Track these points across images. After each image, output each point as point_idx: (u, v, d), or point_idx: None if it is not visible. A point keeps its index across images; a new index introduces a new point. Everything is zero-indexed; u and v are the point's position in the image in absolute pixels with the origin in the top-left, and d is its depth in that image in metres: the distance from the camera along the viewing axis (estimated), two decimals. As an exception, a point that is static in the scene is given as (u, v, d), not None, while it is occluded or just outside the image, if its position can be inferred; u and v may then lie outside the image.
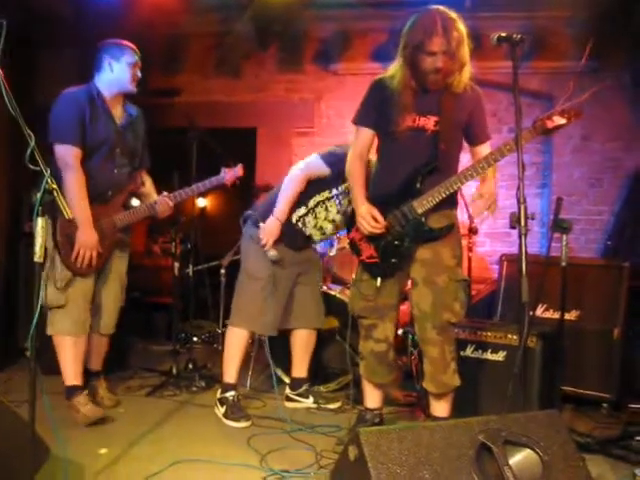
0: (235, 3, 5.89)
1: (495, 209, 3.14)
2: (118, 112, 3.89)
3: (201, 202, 8.89)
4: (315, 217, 4.01)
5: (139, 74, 3.85)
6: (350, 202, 3.60)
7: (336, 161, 3.80)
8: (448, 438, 2.18)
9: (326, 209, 4.00)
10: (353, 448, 2.13)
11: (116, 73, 3.78)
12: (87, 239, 3.66)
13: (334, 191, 3.97)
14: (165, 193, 4.05)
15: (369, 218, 3.15)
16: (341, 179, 3.80)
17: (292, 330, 4.22)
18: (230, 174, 4.16)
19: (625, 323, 4.10)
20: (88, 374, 3.99)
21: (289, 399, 4.25)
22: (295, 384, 4.26)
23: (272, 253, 3.89)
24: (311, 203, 3.99)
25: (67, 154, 3.62)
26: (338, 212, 4.00)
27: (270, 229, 3.90)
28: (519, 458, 2.15)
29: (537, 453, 2.16)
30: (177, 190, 4.05)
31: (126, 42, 3.84)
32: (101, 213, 3.79)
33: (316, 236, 4.11)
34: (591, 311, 4.20)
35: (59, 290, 3.65)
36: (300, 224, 4.02)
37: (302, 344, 4.24)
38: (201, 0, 5.77)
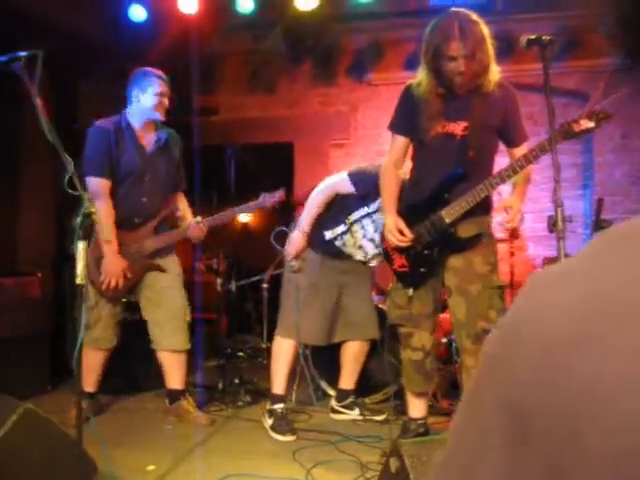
0: (266, 20, 5.95)
1: (518, 222, 3.11)
2: (148, 139, 3.98)
3: (243, 218, 8.94)
4: (353, 236, 4.00)
5: (166, 102, 3.91)
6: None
7: (361, 180, 3.82)
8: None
9: (362, 227, 3.99)
10: (394, 460, 2.13)
11: (142, 103, 3.89)
12: (112, 267, 3.80)
13: (366, 209, 3.95)
14: (198, 218, 4.07)
15: (395, 231, 3.16)
16: (370, 198, 3.82)
17: (342, 342, 4.21)
18: (269, 200, 4.08)
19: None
20: (172, 394, 4.09)
21: (335, 411, 4.25)
22: (341, 395, 4.26)
23: (292, 264, 3.95)
24: (348, 221, 3.98)
25: (96, 186, 3.77)
26: (375, 230, 3.96)
27: (294, 241, 3.95)
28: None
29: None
30: (214, 214, 4.09)
31: (154, 70, 3.91)
32: (129, 239, 3.90)
33: (358, 255, 4.06)
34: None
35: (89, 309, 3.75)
36: (338, 242, 4.01)
37: (352, 356, 4.22)
38: (233, 18, 5.83)
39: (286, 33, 5.90)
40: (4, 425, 2.25)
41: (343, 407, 4.23)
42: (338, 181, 3.95)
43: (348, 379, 4.27)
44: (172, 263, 4.08)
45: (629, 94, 2.86)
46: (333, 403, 4.28)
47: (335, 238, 4.00)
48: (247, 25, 5.99)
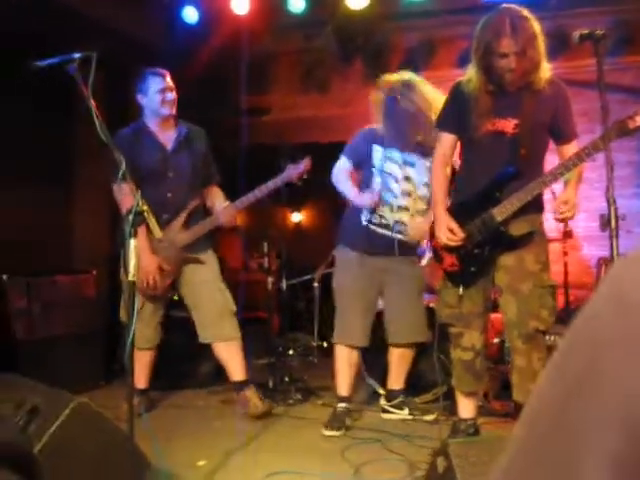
0: (317, 19, 5.97)
1: (574, 215, 3.06)
2: (168, 137, 4.06)
3: (296, 217, 8.98)
4: (385, 204, 3.94)
5: (170, 96, 3.97)
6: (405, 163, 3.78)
7: (350, 149, 3.97)
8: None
9: (389, 190, 3.94)
10: (442, 460, 2.11)
11: (149, 104, 3.99)
12: (146, 266, 3.85)
13: (373, 170, 3.94)
14: (225, 203, 4.11)
15: (445, 230, 3.14)
16: (369, 158, 3.89)
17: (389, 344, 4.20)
18: (295, 170, 4.04)
19: None
20: (236, 386, 4.15)
21: (384, 410, 4.23)
22: (391, 395, 4.24)
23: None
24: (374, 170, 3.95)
25: (120, 190, 3.84)
26: (397, 181, 3.92)
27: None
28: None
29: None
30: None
31: (151, 69, 3.99)
32: (161, 237, 3.94)
33: (405, 216, 3.95)
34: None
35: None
36: (375, 221, 3.95)
37: (397, 358, 4.19)
38: (284, 18, 5.86)
39: (337, 32, 5.91)
40: (58, 418, 2.29)
41: (392, 407, 4.21)
42: (339, 167, 4.02)
43: (396, 379, 4.24)
44: (209, 257, 4.13)
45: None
46: (383, 402, 4.27)
47: (369, 220, 3.96)
48: (299, 24, 6.01)
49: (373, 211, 3.94)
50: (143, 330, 3.97)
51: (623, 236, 2.54)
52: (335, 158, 4.04)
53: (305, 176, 4.07)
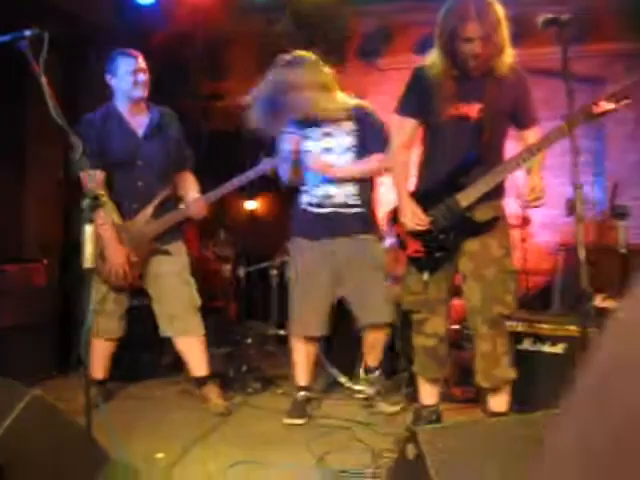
0: (275, 3, 5.88)
1: (543, 201, 3.07)
2: (139, 122, 3.91)
3: (250, 205, 8.89)
4: (312, 183, 3.87)
5: (142, 77, 3.82)
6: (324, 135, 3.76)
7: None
8: (514, 433, 2.11)
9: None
10: (412, 446, 2.08)
11: (119, 86, 3.84)
12: (114, 258, 3.77)
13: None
14: (197, 195, 4.01)
15: (411, 215, 3.11)
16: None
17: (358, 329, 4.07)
18: (271, 163, 3.93)
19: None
20: (196, 381, 4.07)
21: (356, 380, 4.22)
22: (368, 370, 4.15)
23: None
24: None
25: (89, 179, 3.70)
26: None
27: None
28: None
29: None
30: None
31: (122, 50, 3.84)
32: (130, 226, 3.84)
33: (333, 189, 3.80)
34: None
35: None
36: (312, 202, 3.86)
37: (368, 342, 4.04)
38: (242, 2, 5.76)
39: (296, 17, 5.83)
40: (12, 412, 2.21)
41: (366, 380, 4.13)
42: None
43: (373, 359, 4.10)
44: (178, 249, 4.01)
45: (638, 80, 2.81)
46: (360, 372, 4.20)
47: (309, 200, 3.87)
48: (257, 8, 5.91)
49: (307, 193, 3.88)
50: (106, 321, 3.87)
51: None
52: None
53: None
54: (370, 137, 3.76)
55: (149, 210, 3.88)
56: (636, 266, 3.91)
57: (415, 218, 3.10)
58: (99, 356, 3.92)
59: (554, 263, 4.70)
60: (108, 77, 3.85)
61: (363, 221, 3.83)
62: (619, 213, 3.51)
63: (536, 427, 2.11)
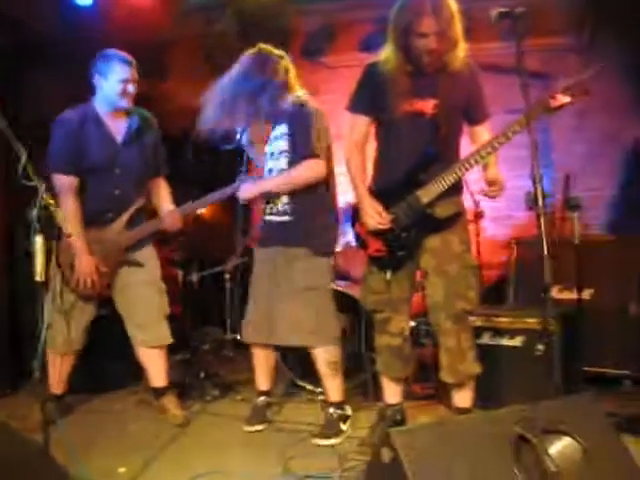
0: (215, 3, 5.79)
1: (502, 194, 3.08)
2: (118, 128, 3.77)
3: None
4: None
5: (130, 88, 3.66)
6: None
7: None
8: (481, 431, 2.10)
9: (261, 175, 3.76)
10: (387, 450, 2.05)
11: (105, 90, 3.67)
12: (83, 266, 3.65)
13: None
14: (172, 207, 3.92)
15: (373, 213, 3.07)
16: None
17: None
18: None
19: (640, 298, 4.06)
20: (156, 392, 3.96)
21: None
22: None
23: None
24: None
25: (60, 183, 3.63)
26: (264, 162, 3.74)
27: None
28: (558, 447, 2.07)
29: (577, 441, 2.07)
30: (190, 202, 3.91)
31: (117, 53, 3.66)
32: (103, 235, 3.74)
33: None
34: (605, 289, 4.16)
35: (55, 309, 3.58)
36: (266, 210, 3.73)
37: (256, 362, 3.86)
38: (181, 2, 5.66)
39: (238, 15, 5.74)
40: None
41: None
42: None
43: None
44: (149, 256, 3.90)
45: (594, 73, 2.84)
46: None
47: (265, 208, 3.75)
48: (199, 8, 5.81)
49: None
50: (69, 333, 3.68)
51: (531, 216, 2.53)
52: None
53: None
54: (298, 140, 3.51)
55: (124, 219, 3.77)
56: (590, 257, 3.97)
57: (377, 217, 3.06)
58: (58, 369, 3.77)
59: (506, 257, 4.74)
60: (96, 77, 3.66)
61: (294, 232, 3.56)
62: (572, 205, 3.54)
63: (503, 424, 2.11)
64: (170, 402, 3.93)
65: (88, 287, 3.68)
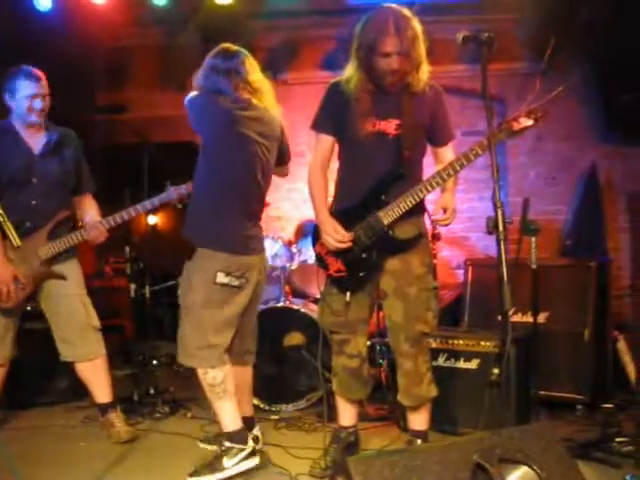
0: (180, 15, 5.73)
1: (452, 221, 3.07)
2: (36, 141, 3.75)
3: (151, 219, 8.65)
4: None
5: (38, 103, 3.64)
6: None
7: None
8: (442, 460, 2.06)
9: None
10: (342, 478, 2.00)
11: (15, 107, 3.67)
12: (1, 274, 3.55)
13: None
14: (97, 219, 3.84)
15: (334, 233, 3.04)
16: None
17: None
18: (177, 191, 3.79)
19: (595, 323, 4.09)
20: (100, 408, 3.87)
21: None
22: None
23: None
24: None
25: None
26: None
27: None
28: (515, 476, 2.05)
29: (533, 469, 2.05)
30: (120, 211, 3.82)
31: (25, 68, 3.65)
32: (22, 246, 3.63)
33: None
34: (560, 313, 4.18)
35: None
36: None
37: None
38: (145, 13, 5.59)
39: (201, 29, 5.69)
40: None
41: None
42: None
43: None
44: (72, 268, 3.81)
45: (555, 96, 2.86)
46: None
47: None
48: (161, 20, 5.74)
49: None
50: None
51: (485, 238, 2.54)
52: (195, 157, 3.78)
53: (187, 200, 3.70)
54: None
55: (44, 231, 3.70)
56: (546, 281, 3.99)
57: (338, 237, 3.03)
58: None
59: (460, 278, 4.75)
60: (6, 96, 3.66)
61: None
62: (531, 229, 3.56)
63: (462, 452, 2.08)
64: (116, 418, 3.84)
65: (4, 296, 3.57)
